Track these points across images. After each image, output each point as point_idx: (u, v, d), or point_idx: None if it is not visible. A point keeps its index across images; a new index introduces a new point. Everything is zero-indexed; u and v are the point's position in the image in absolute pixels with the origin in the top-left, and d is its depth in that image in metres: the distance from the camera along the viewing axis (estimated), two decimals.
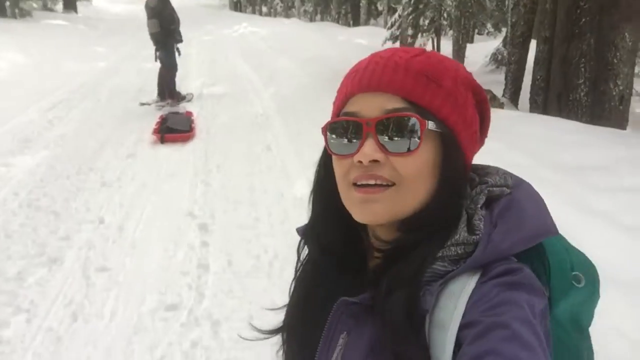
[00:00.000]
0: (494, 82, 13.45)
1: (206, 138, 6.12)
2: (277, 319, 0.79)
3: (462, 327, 0.55)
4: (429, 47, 16.20)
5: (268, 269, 3.30)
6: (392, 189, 0.63)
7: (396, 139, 0.62)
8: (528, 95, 9.05)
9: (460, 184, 0.66)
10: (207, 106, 7.70)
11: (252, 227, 3.89)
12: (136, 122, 6.73)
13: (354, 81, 0.67)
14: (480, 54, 19.28)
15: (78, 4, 22.98)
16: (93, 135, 6.12)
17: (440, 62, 0.67)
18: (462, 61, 16.37)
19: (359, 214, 0.65)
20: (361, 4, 22.41)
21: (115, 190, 4.58)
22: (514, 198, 0.64)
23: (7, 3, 16.56)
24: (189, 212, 4.13)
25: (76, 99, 7.95)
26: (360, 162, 0.63)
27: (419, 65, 0.65)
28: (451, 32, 16.45)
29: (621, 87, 6.98)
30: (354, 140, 0.64)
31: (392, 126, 0.62)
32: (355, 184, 0.64)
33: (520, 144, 5.08)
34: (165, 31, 7.39)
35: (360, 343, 0.64)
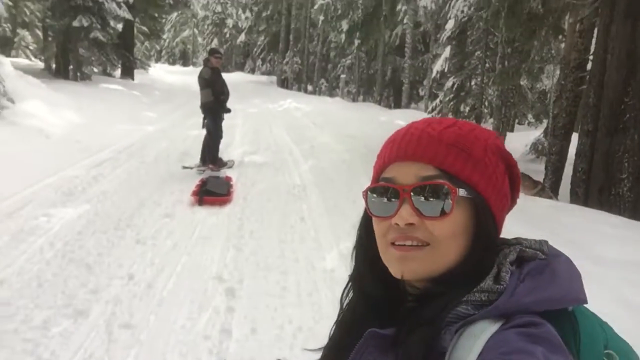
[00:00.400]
0: (534, 172, 13.32)
1: (243, 204, 6.19)
2: None
3: None
4: None
5: (291, 340, 3.21)
6: (427, 249, 0.69)
7: (430, 204, 0.69)
8: (568, 187, 8.91)
9: (491, 243, 0.72)
10: (247, 173, 7.86)
11: (280, 296, 3.83)
12: (177, 184, 6.90)
13: (392, 150, 0.74)
14: (521, 142, 19.27)
15: (135, 71, 24.37)
16: (134, 193, 6.29)
17: (471, 132, 0.73)
18: None
19: (397, 271, 0.71)
20: (403, 88, 23.02)
21: (149, 248, 4.63)
22: (549, 264, 0.68)
23: (71, 67, 17.73)
24: (218, 276, 4.11)
25: (122, 158, 8.25)
26: (397, 224, 0.69)
27: (450, 137, 0.71)
28: (491, 119, 16.61)
29: None
30: (392, 204, 0.71)
31: (426, 192, 0.69)
32: (393, 244, 0.71)
33: (561, 234, 4.95)
34: (216, 101, 7.73)
35: None
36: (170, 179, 7.17)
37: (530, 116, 24.90)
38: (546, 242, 0.72)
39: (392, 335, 0.69)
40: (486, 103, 15.02)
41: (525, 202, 6.87)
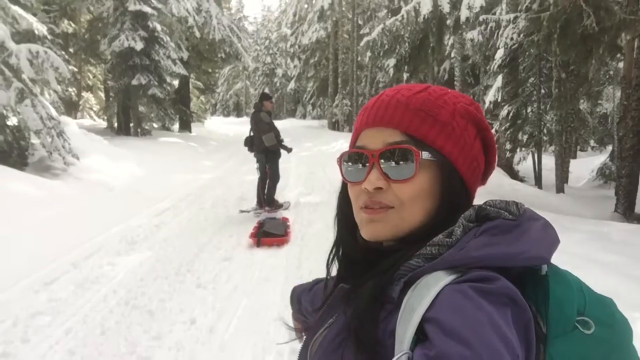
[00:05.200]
0: (603, 197, 12.66)
1: (300, 244, 6.11)
2: None
3: (428, 319, 0.57)
4: (529, 162, 15.83)
5: None
6: (393, 210, 0.72)
7: (396, 167, 0.71)
8: None
9: (459, 206, 0.72)
10: (303, 214, 7.81)
11: None
12: (235, 227, 6.93)
13: (362, 118, 0.78)
14: (585, 169, 18.48)
15: (192, 125, 25.29)
16: (194, 239, 6.34)
17: (440, 98, 0.75)
18: (566, 176, 15.76)
19: (365, 233, 0.75)
20: None
21: (210, 292, 4.59)
22: (519, 225, 0.66)
23: (131, 124, 18.58)
24: (280, 317, 3.99)
25: (182, 206, 8.41)
26: (366, 189, 0.72)
27: (418, 102, 0.73)
28: (552, 147, 15.99)
29: None
30: (362, 170, 0.74)
31: (392, 157, 0.72)
32: (363, 207, 0.74)
33: None
34: (278, 143, 7.81)
35: (338, 323, 0.72)
36: (229, 223, 7.21)
37: (592, 141, 23.93)
38: (517, 203, 0.70)
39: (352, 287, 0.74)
40: (545, 130, 14.52)
41: (600, 227, 6.45)
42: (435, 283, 0.61)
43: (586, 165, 19.20)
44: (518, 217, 0.67)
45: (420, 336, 0.57)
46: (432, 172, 0.72)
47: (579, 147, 23.82)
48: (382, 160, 0.72)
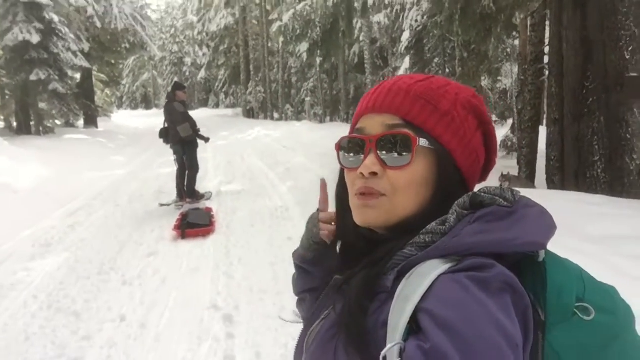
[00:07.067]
0: (507, 168, 13.53)
1: (226, 232, 6.09)
2: None
3: (422, 309, 0.56)
4: None
5: None
6: (386, 198, 0.71)
7: (392, 153, 0.70)
8: (543, 177, 9.04)
9: (454, 197, 0.70)
10: (226, 202, 7.76)
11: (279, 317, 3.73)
12: (156, 221, 6.76)
13: (363, 103, 0.77)
14: None
15: (98, 119, 24.09)
16: (114, 236, 6.12)
17: (442, 87, 0.74)
18: None
19: (357, 218, 0.74)
20: None
21: (137, 288, 4.48)
22: (514, 212, 0.65)
23: (32, 122, 17.40)
24: (213, 305, 3.99)
25: (96, 204, 8.06)
26: (362, 174, 0.71)
27: (419, 90, 0.73)
28: None
29: (638, 162, 6.96)
30: (360, 155, 0.73)
31: (389, 142, 0.71)
32: (359, 193, 0.73)
33: None
34: (194, 134, 7.67)
35: (333, 314, 0.71)
36: (149, 218, 7.02)
37: (494, 116, 25.40)
38: (512, 190, 0.69)
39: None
40: None
41: None
42: (429, 272, 0.60)
43: None
44: (513, 204, 0.66)
45: (414, 326, 0.56)
46: (429, 160, 0.71)
47: None
48: (380, 145, 0.71)
